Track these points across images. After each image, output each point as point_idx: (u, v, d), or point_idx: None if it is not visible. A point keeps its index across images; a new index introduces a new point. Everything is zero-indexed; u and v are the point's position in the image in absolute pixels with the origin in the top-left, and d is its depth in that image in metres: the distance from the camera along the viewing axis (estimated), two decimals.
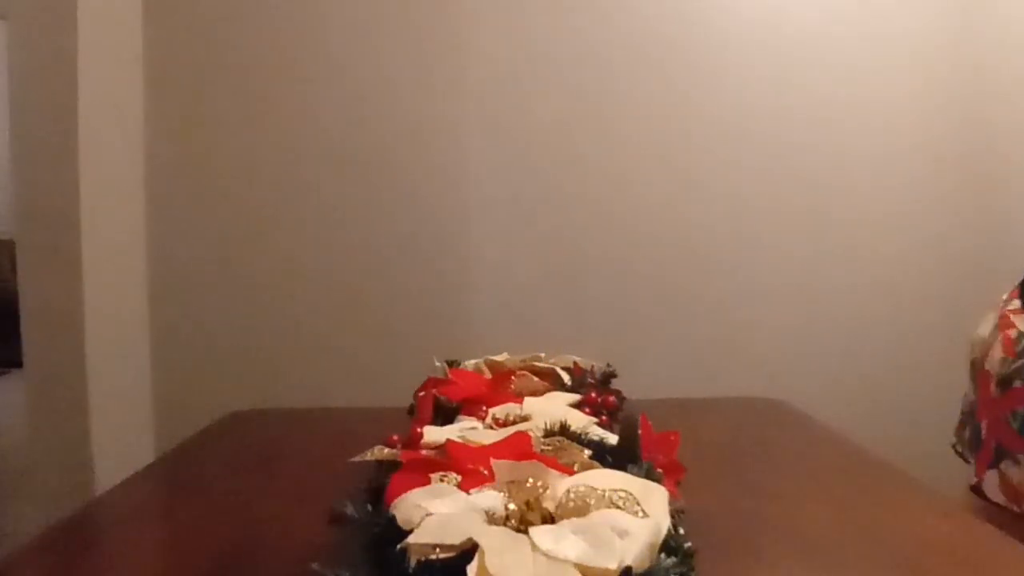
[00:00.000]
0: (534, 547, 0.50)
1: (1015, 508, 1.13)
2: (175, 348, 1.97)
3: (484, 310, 1.98)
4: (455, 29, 1.96)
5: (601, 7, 1.95)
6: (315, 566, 0.53)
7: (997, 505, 1.17)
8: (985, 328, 1.28)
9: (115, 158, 1.88)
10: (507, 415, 0.79)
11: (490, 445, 0.66)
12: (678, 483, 0.72)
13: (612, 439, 0.73)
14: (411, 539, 0.52)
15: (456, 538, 0.50)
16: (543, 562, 0.49)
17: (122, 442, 1.80)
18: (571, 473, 0.59)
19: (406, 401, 0.96)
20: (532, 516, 0.53)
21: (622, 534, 0.50)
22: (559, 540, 0.50)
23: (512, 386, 0.93)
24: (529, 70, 1.96)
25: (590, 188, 1.97)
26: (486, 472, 0.60)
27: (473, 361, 1.02)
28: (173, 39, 1.97)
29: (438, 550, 0.50)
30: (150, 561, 0.77)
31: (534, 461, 0.60)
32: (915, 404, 2.06)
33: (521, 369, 0.98)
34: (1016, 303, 1.24)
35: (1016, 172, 2.06)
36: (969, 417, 1.30)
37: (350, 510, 0.60)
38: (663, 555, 0.52)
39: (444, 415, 0.84)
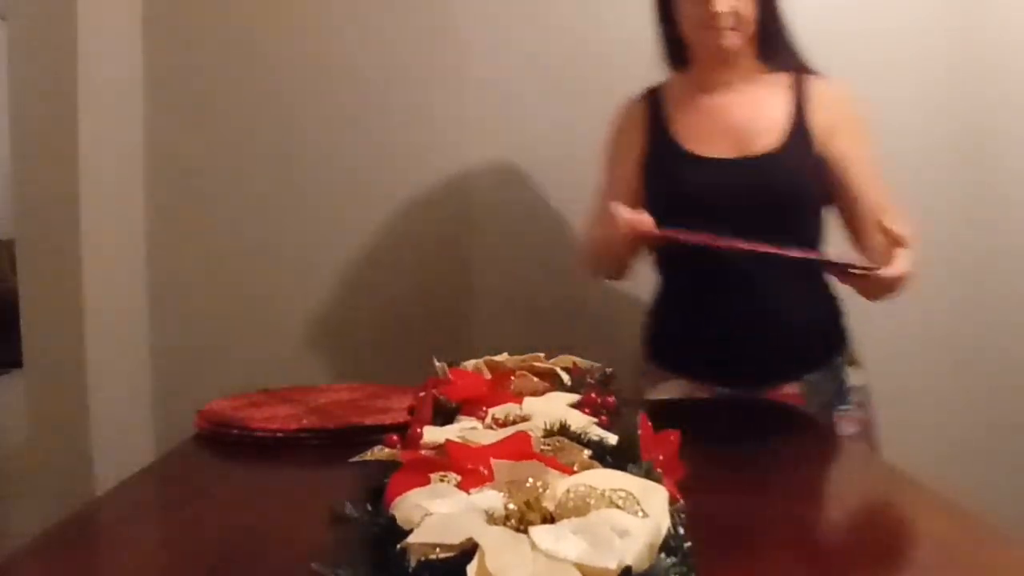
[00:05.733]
0: (534, 547, 0.50)
1: None
2: (175, 348, 1.97)
3: (484, 310, 1.98)
4: (457, 29, 1.96)
5: (602, 7, 1.95)
6: (315, 566, 0.53)
7: None
8: None
9: (115, 158, 1.88)
10: (507, 415, 0.79)
11: (490, 445, 0.66)
12: (678, 483, 0.71)
13: (612, 439, 0.73)
14: (411, 539, 0.52)
15: (456, 538, 0.50)
16: (543, 562, 0.49)
17: (122, 442, 1.80)
18: (571, 473, 0.59)
19: None
20: (532, 516, 0.53)
21: (622, 534, 0.50)
22: (559, 540, 0.50)
23: (512, 386, 0.93)
24: (532, 70, 1.96)
25: (591, 187, 1.97)
26: (486, 472, 0.60)
27: (473, 361, 1.02)
28: (173, 39, 1.96)
29: (438, 550, 0.50)
30: (150, 561, 0.77)
31: (534, 461, 0.60)
32: (914, 403, 2.06)
33: (521, 369, 0.99)
34: None
35: (1018, 173, 2.06)
36: None
37: (350, 510, 0.60)
38: (663, 555, 0.52)
39: (444, 415, 0.84)
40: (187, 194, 1.97)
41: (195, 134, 1.97)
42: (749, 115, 1.43)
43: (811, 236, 1.43)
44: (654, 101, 1.54)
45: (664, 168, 1.47)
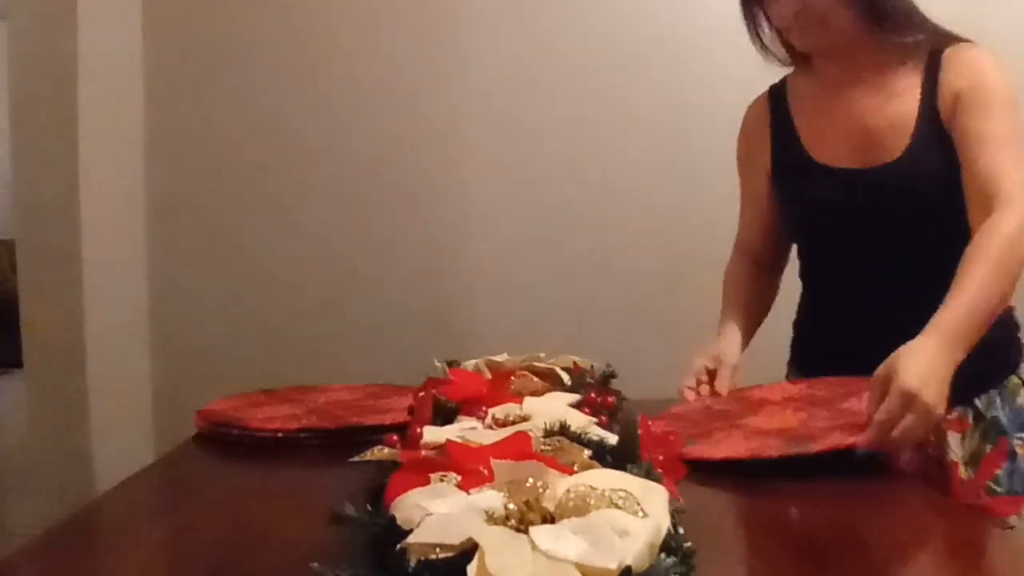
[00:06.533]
0: (534, 547, 0.50)
1: None
2: (175, 348, 1.97)
3: (484, 310, 1.98)
4: (456, 32, 1.96)
5: (604, 7, 1.95)
6: (315, 566, 0.53)
7: None
8: None
9: (115, 158, 1.88)
10: (507, 415, 0.79)
11: (490, 445, 0.66)
12: (678, 483, 0.72)
13: (612, 439, 0.73)
14: (411, 539, 0.52)
15: (456, 538, 0.50)
16: (543, 562, 0.49)
17: (122, 442, 1.80)
18: (571, 473, 0.59)
19: None
20: (532, 516, 0.53)
21: (622, 534, 0.51)
22: (559, 540, 0.50)
23: (512, 386, 0.93)
24: (531, 71, 1.96)
25: (591, 188, 1.98)
26: (486, 472, 0.60)
27: (473, 361, 1.02)
28: (173, 40, 1.97)
29: (438, 550, 0.50)
30: (150, 561, 0.77)
31: (534, 461, 0.60)
32: None
33: (521, 369, 0.99)
34: None
35: None
36: None
37: (350, 510, 0.60)
38: (663, 555, 0.52)
39: (444, 415, 0.84)
40: (187, 194, 1.97)
41: (195, 134, 1.97)
42: (874, 115, 1.27)
43: (944, 234, 1.22)
44: (778, 101, 1.40)
45: (790, 178, 1.35)
